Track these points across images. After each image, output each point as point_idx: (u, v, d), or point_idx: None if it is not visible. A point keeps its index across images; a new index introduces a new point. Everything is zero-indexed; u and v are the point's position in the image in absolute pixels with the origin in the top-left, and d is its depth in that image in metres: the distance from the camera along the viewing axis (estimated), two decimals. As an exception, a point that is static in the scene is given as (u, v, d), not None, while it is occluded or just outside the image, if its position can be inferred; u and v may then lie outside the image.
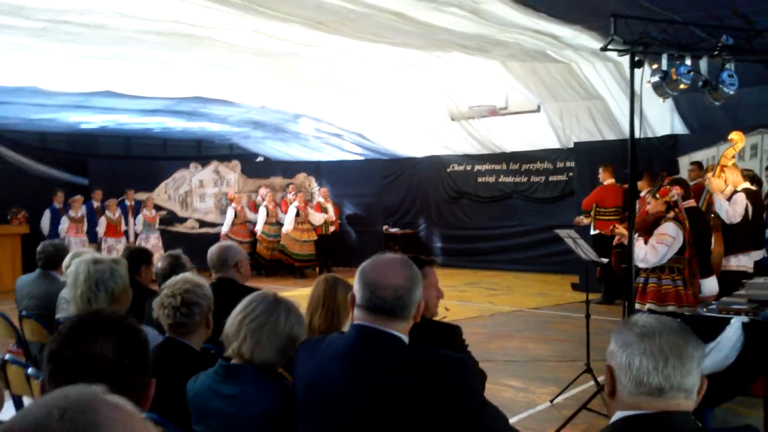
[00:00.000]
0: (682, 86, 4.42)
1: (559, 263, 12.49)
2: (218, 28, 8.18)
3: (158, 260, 3.99)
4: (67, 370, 1.41)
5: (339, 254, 13.81)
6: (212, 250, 3.67)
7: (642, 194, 9.36)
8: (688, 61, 4.42)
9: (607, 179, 10.17)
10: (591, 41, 8.56)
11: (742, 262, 6.84)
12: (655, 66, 4.44)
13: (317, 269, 13.40)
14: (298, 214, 13.16)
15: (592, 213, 10.11)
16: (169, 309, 2.59)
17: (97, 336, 1.45)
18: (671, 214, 5.36)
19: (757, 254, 7.01)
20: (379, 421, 1.91)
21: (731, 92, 4.70)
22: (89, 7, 7.19)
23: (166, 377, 2.60)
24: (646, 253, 5.19)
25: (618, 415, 1.60)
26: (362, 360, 1.97)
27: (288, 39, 8.79)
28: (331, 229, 13.75)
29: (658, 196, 5.26)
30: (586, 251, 5.50)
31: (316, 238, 13.33)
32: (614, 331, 1.68)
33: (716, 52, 4.46)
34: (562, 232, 5.67)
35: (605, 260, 5.84)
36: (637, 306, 5.50)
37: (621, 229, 5.51)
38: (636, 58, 3.91)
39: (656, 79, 4.49)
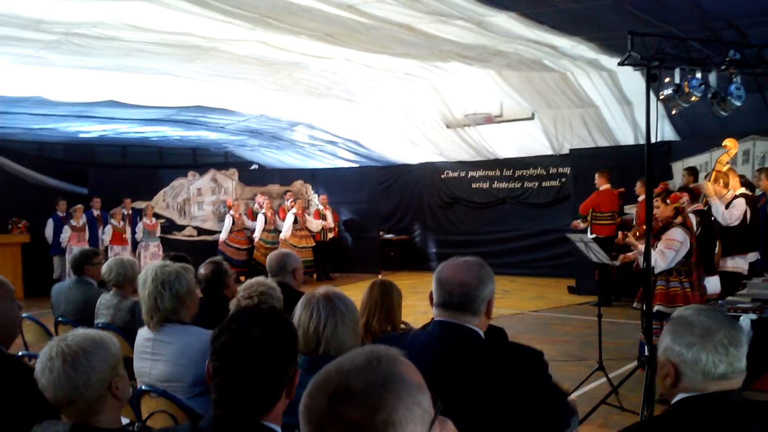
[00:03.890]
0: (693, 98, 4.70)
1: (553, 267, 12.80)
2: (227, 40, 8.36)
3: (200, 266, 4.16)
4: (224, 351, 1.63)
5: (336, 261, 14.00)
6: (272, 257, 3.89)
7: (639, 199, 9.71)
8: (699, 75, 4.69)
9: (602, 185, 10.43)
10: (588, 51, 8.85)
11: (738, 263, 7.14)
12: (667, 79, 4.71)
13: (314, 276, 13.56)
14: (296, 221, 13.33)
15: (588, 218, 10.37)
16: (246, 310, 2.77)
17: (249, 325, 1.65)
18: (679, 220, 5.64)
19: (752, 256, 7.31)
20: (465, 408, 2.11)
21: (739, 104, 4.99)
22: (103, 19, 7.35)
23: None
24: (656, 258, 5.44)
25: (680, 395, 1.85)
26: (447, 352, 2.17)
27: (293, 50, 9.00)
28: (330, 235, 13.91)
29: (668, 201, 5.52)
30: (597, 254, 5.75)
31: (314, 244, 13.50)
32: (669, 330, 1.92)
33: (724, 67, 4.74)
34: (574, 237, 5.92)
35: (617, 263, 6.08)
36: (642, 307, 5.77)
37: (631, 239, 5.75)
38: (652, 72, 4.15)
39: (669, 91, 4.76)
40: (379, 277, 12.92)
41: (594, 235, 10.07)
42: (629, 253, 6.03)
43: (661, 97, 4.82)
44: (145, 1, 6.68)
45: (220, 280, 4.08)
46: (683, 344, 1.83)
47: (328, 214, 13.93)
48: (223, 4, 6.77)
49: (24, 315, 3.67)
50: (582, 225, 10.50)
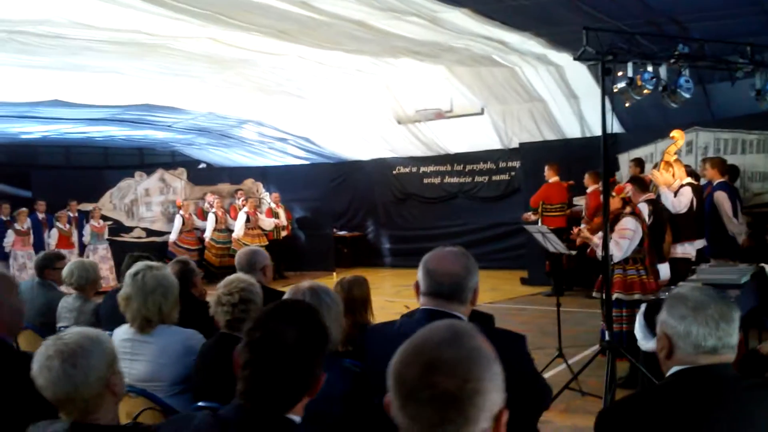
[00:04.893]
0: (646, 91, 4.88)
1: (505, 259, 13.00)
2: (177, 37, 8.23)
3: (167, 266, 4.12)
4: (256, 346, 1.65)
5: (290, 258, 13.92)
6: (241, 254, 3.89)
7: (588, 190, 9.99)
8: (650, 68, 4.87)
9: (552, 177, 10.68)
10: (537, 46, 9.05)
11: (687, 249, 7.40)
12: (620, 73, 4.87)
13: (277, 272, 13.42)
14: (248, 220, 13.22)
15: (539, 210, 10.61)
16: (228, 306, 2.78)
17: (285, 325, 1.67)
18: (628, 209, 5.84)
19: (699, 243, 7.59)
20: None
21: (688, 96, 5.20)
22: (49, 17, 7.15)
23: (225, 369, 2.80)
24: (611, 249, 5.61)
25: (675, 368, 1.95)
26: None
27: (244, 47, 8.91)
28: (283, 234, 13.82)
29: (614, 193, 5.71)
30: (555, 244, 5.89)
31: (267, 243, 13.38)
32: (665, 305, 2.01)
33: (673, 60, 4.93)
34: (531, 228, 6.08)
35: (574, 252, 6.24)
36: (601, 296, 5.94)
37: (585, 233, 5.92)
38: (606, 66, 4.28)
39: (623, 84, 4.93)
40: (334, 275, 12.98)
41: (545, 227, 10.33)
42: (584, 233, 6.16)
43: (615, 90, 4.98)
44: (94, -2, 6.54)
45: (188, 279, 4.07)
46: (676, 317, 1.93)
47: (281, 212, 13.83)
48: (176, 1, 6.67)
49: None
50: (533, 217, 10.71)
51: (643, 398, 1.94)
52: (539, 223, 10.55)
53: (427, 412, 1.17)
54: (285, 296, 2.53)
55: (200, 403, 2.66)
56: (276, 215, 13.70)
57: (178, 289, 3.14)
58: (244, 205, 13.42)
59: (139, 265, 3.12)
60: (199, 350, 2.96)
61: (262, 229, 13.46)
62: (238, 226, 13.20)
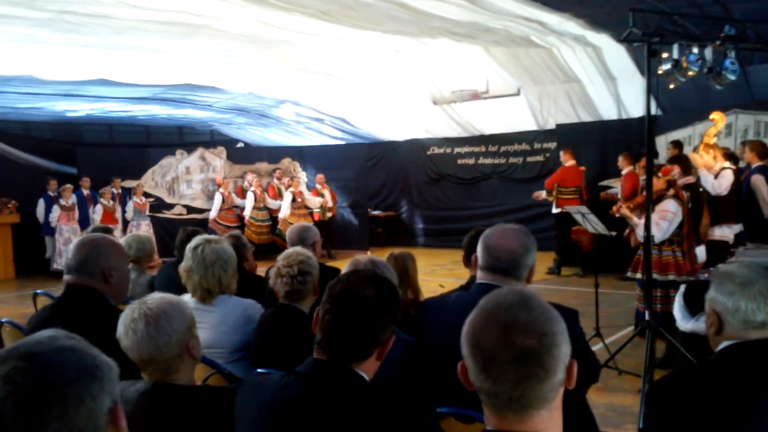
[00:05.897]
0: (690, 73, 4.90)
1: (539, 240, 12.96)
2: (220, 18, 8.38)
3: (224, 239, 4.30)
4: (337, 297, 1.81)
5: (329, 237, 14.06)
6: (293, 229, 4.04)
7: (623, 172, 10.00)
8: (696, 50, 4.89)
9: (568, 161, 10.94)
10: (575, 27, 9.02)
11: (725, 233, 7.40)
12: (665, 55, 4.90)
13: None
14: (294, 200, 13.31)
15: (554, 192, 10.87)
16: (287, 278, 2.94)
17: (365, 282, 1.83)
18: (671, 192, 5.87)
19: (738, 227, 7.58)
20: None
21: (734, 78, 5.21)
22: (98, -3, 7.35)
23: (284, 338, 2.96)
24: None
25: (724, 343, 2.03)
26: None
27: (286, 27, 9.03)
28: (329, 214, 13.79)
29: (660, 174, 5.74)
30: (594, 225, 5.96)
31: (311, 223, 13.42)
32: (713, 283, 2.11)
33: (719, 42, 4.94)
34: (572, 209, 6.12)
35: (614, 233, 6.30)
36: (638, 276, 6.02)
37: (625, 211, 5.97)
38: (652, 48, 4.32)
39: (668, 66, 4.96)
40: (368, 253, 13.12)
41: (559, 210, 10.68)
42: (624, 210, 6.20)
43: (660, 72, 5.01)
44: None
45: (241, 253, 4.22)
46: (725, 293, 2.02)
47: (326, 192, 13.83)
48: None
49: (4, 320, 3.77)
50: (543, 195, 11.07)
51: (694, 372, 2.02)
52: (554, 205, 10.91)
53: (510, 370, 1.27)
54: (345, 268, 2.67)
55: (260, 370, 2.83)
56: (321, 195, 13.70)
57: (236, 261, 3.28)
58: (289, 185, 13.51)
59: (198, 239, 3.26)
60: (259, 320, 3.12)
61: (308, 209, 13.54)
62: (285, 206, 13.29)
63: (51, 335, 1.14)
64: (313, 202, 13.59)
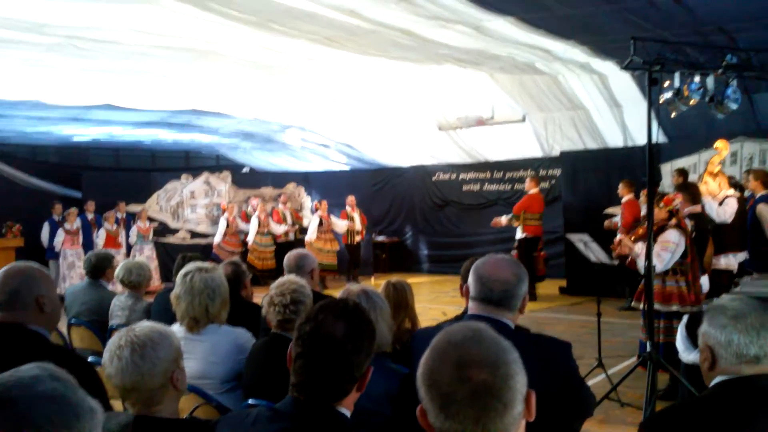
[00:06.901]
0: (692, 101, 4.87)
1: (547, 267, 12.94)
2: (227, 43, 8.45)
3: (219, 267, 4.26)
4: (307, 338, 1.75)
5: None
6: (289, 256, 4.00)
7: (623, 200, 9.95)
8: (697, 79, 4.87)
9: (532, 188, 11.37)
10: (580, 54, 9.05)
11: (730, 261, 7.34)
12: (667, 83, 4.88)
13: (348, 276, 13.38)
14: (321, 223, 13.21)
15: (521, 218, 11.17)
16: (279, 306, 2.90)
17: (335, 318, 1.76)
18: (673, 222, 5.79)
19: (742, 255, 7.51)
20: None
21: (736, 107, 5.18)
22: (105, 23, 7.42)
23: (276, 368, 2.91)
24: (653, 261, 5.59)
25: (718, 378, 1.97)
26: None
27: (291, 53, 9.09)
28: (357, 238, 13.53)
29: (662, 204, 5.68)
30: (596, 254, 5.89)
31: (338, 248, 13.28)
32: (706, 317, 2.06)
33: (721, 70, 4.92)
34: (573, 237, 6.06)
35: (616, 262, 6.24)
36: (641, 306, 5.93)
37: (627, 242, 5.90)
38: (653, 76, 4.31)
39: (669, 95, 4.93)
40: (372, 279, 13.05)
41: (524, 235, 11.12)
42: (624, 245, 6.14)
43: (661, 100, 4.99)
44: (149, 5, 6.76)
45: (240, 280, 4.19)
46: (717, 326, 1.97)
47: (356, 216, 13.56)
48: (227, 8, 6.87)
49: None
50: (504, 222, 11.46)
51: (686, 408, 1.97)
52: (520, 230, 11.25)
53: (468, 406, 1.25)
54: (338, 296, 2.63)
55: (250, 401, 2.77)
56: (351, 219, 13.48)
57: (226, 291, 3.23)
58: (317, 208, 13.40)
59: (190, 266, 3.23)
60: (251, 349, 3.08)
61: (335, 233, 13.43)
62: (311, 230, 13.17)
63: (35, 375, 1.10)
64: (340, 225, 13.36)
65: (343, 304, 1.83)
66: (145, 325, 2.11)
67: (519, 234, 11.25)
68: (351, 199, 13.69)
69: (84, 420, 1.08)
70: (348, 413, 1.76)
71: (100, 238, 12.22)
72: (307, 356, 1.73)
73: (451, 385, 1.26)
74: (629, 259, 6.25)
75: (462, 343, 1.32)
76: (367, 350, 1.79)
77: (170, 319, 3.34)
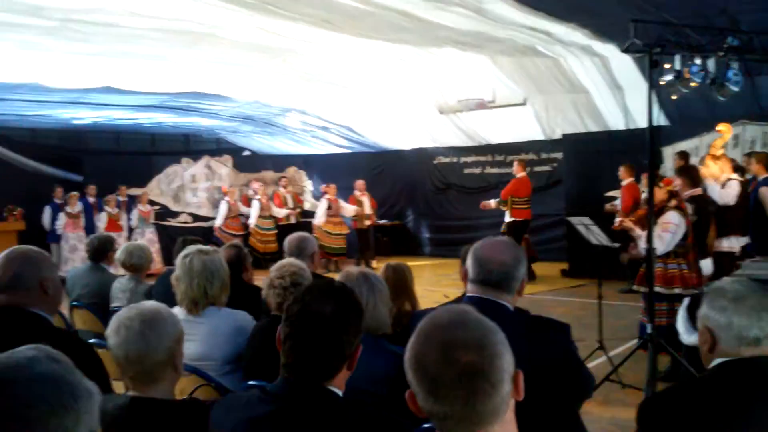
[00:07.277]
0: (693, 84, 4.85)
1: (546, 251, 12.94)
2: (226, 26, 8.40)
3: (220, 250, 4.26)
4: (296, 319, 1.77)
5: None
6: (291, 239, 4.00)
7: (623, 183, 9.93)
8: (698, 61, 4.84)
9: (520, 172, 11.28)
10: (581, 37, 8.99)
11: (733, 244, 7.31)
12: (667, 66, 4.85)
13: (359, 261, 13.21)
14: (329, 207, 13.16)
15: (509, 202, 11.12)
16: (279, 289, 2.90)
17: (322, 298, 1.77)
18: (673, 203, 5.78)
19: (745, 239, 7.50)
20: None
21: (737, 89, 5.15)
22: (103, 6, 7.38)
23: (276, 349, 2.92)
24: (654, 242, 5.59)
25: (717, 361, 1.97)
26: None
27: (290, 36, 9.05)
28: (367, 222, 13.41)
29: (662, 185, 5.67)
30: (597, 237, 5.89)
31: (347, 231, 13.24)
32: (705, 299, 2.05)
33: (722, 53, 4.89)
34: (574, 220, 6.06)
35: (617, 245, 6.23)
36: (642, 290, 5.94)
37: (628, 223, 5.90)
38: (654, 59, 4.28)
39: (670, 77, 4.90)
40: (373, 263, 13.04)
41: (512, 218, 11.09)
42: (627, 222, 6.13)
43: (662, 83, 4.96)
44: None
45: (241, 263, 4.19)
46: (717, 309, 1.96)
47: (365, 200, 13.47)
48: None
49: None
50: (493, 205, 11.37)
51: (685, 389, 1.97)
52: (508, 215, 11.20)
53: (457, 388, 1.25)
54: (338, 279, 2.63)
55: (251, 382, 2.79)
56: (360, 203, 13.41)
57: (226, 274, 3.23)
58: (325, 192, 13.35)
59: (190, 249, 3.22)
60: (251, 332, 3.08)
61: (343, 217, 13.37)
62: (319, 213, 13.14)
63: (32, 357, 1.09)
64: (348, 209, 13.28)
65: (330, 284, 1.84)
66: (151, 303, 2.15)
67: (507, 218, 11.25)
68: (360, 183, 13.61)
69: (81, 401, 1.08)
70: (340, 392, 1.77)
71: (101, 221, 12.25)
72: (296, 336, 1.74)
73: (438, 368, 1.26)
74: (630, 245, 6.25)
75: (447, 325, 1.31)
76: (355, 328, 1.80)
77: (172, 301, 3.34)
